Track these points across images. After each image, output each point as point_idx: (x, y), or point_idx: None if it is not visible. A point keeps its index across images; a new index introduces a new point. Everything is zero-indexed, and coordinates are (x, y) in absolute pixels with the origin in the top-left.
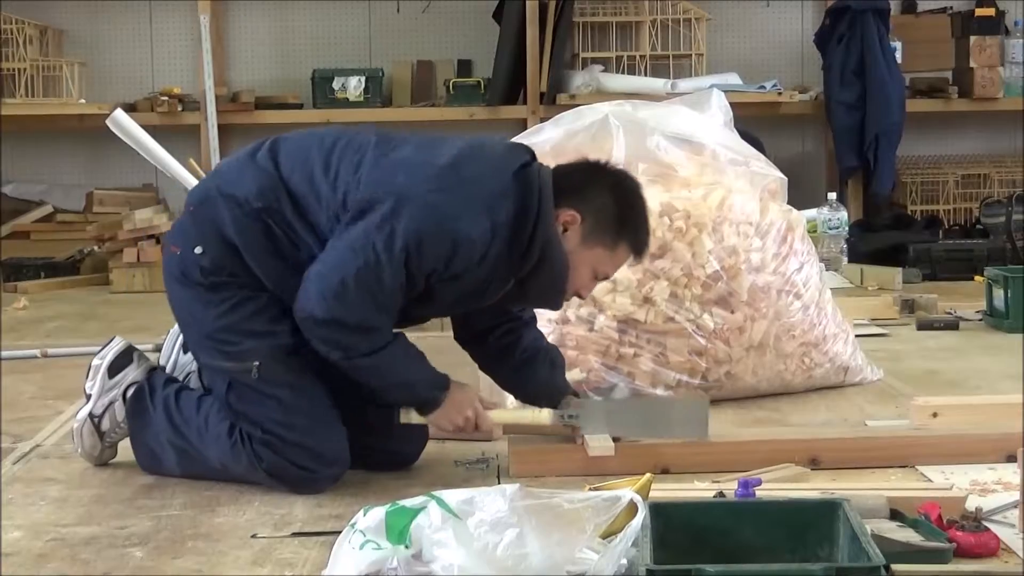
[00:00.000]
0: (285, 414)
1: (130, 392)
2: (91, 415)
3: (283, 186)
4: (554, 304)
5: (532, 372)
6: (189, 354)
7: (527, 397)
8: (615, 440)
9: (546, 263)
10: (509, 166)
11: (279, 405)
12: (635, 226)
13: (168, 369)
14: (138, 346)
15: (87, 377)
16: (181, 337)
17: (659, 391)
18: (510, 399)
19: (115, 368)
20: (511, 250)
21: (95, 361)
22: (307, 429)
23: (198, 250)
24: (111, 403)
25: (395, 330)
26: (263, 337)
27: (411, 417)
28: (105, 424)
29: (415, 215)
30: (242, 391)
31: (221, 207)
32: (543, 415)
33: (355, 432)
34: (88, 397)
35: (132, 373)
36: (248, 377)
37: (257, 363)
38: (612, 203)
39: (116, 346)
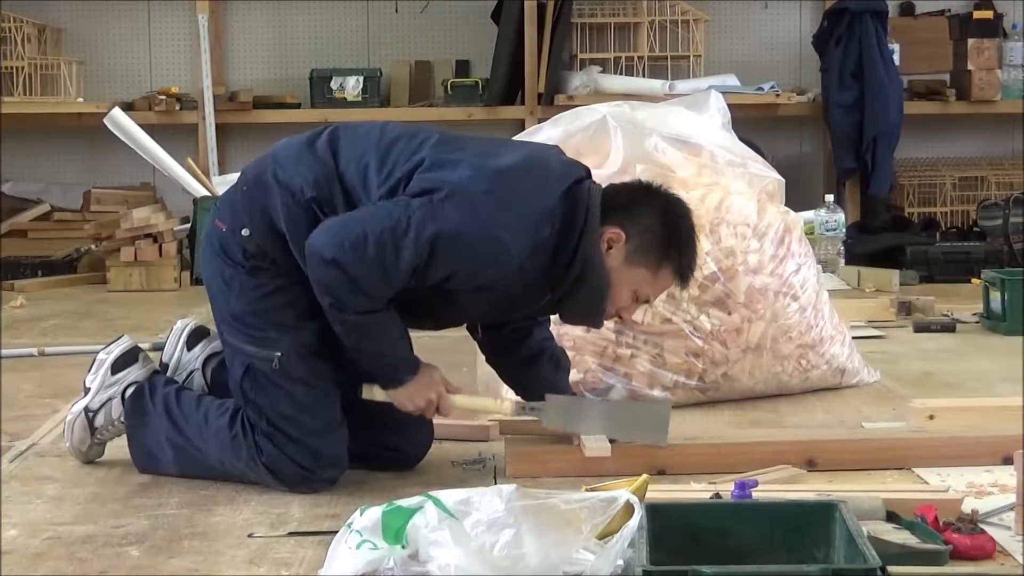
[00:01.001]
0: (295, 410)
1: (129, 391)
2: (86, 409)
3: (337, 178)
4: (594, 321)
5: (536, 370)
6: (192, 352)
7: (527, 395)
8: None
9: (586, 280)
10: (564, 182)
11: (291, 400)
12: (680, 250)
13: (171, 365)
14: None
15: (89, 370)
16: (185, 333)
17: (656, 392)
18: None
19: (119, 366)
20: (554, 266)
21: (100, 355)
22: (312, 429)
23: (245, 232)
24: (109, 399)
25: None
26: (290, 331)
27: (374, 393)
28: (99, 420)
29: (462, 211)
30: (258, 378)
31: (274, 193)
32: (505, 405)
33: (359, 427)
34: (86, 391)
35: (135, 373)
36: (268, 366)
37: (279, 354)
38: (659, 225)
39: (123, 344)
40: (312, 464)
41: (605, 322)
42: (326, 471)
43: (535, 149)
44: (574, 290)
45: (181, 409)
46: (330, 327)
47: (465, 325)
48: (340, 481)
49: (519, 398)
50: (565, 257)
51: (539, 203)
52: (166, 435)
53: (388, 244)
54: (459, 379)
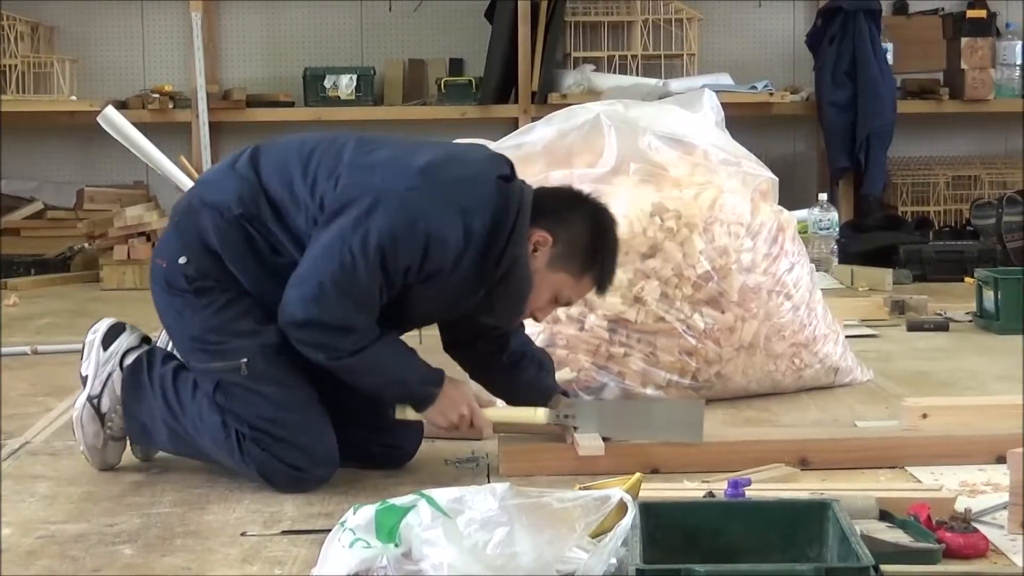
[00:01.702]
0: (274, 410)
1: (128, 359)
2: (90, 398)
3: (263, 192)
4: (510, 321)
5: (520, 374)
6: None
7: (516, 400)
8: (606, 440)
9: (511, 279)
10: (489, 176)
11: (267, 402)
12: (603, 260)
13: (90, 373)
14: None
15: (82, 358)
16: (100, 336)
17: (649, 391)
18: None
19: (108, 340)
20: (484, 260)
21: (88, 337)
22: (296, 426)
23: (182, 260)
24: (109, 376)
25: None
26: (250, 336)
27: (407, 413)
28: (105, 403)
29: (389, 213)
30: (230, 390)
31: (204, 216)
32: (539, 414)
33: (351, 427)
34: (84, 382)
35: (126, 341)
36: (237, 375)
37: (245, 360)
38: (586, 233)
39: (107, 321)
40: (303, 461)
41: (596, 322)
42: (317, 468)
43: (455, 145)
44: (498, 288)
45: (178, 394)
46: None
47: (442, 345)
48: (333, 480)
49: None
50: (494, 253)
51: (468, 191)
52: (161, 415)
53: (345, 281)
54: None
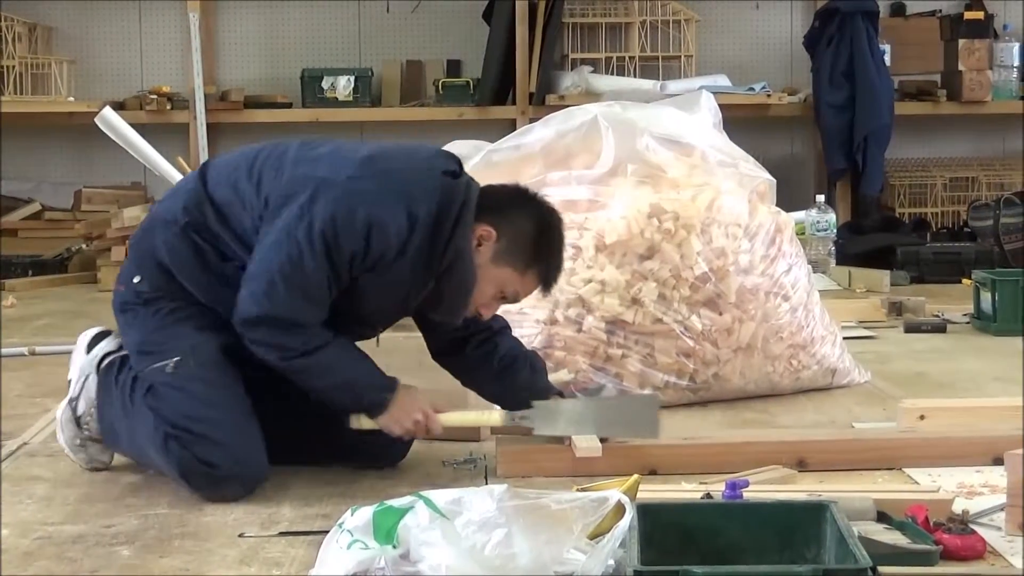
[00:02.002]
0: (197, 408)
1: (104, 363)
2: (70, 400)
3: (207, 199)
4: (455, 316)
5: (513, 378)
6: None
7: (511, 404)
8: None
9: (455, 272)
10: (434, 168)
11: (192, 399)
12: (548, 257)
13: (73, 376)
14: None
15: (71, 363)
16: (86, 342)
17: (647, 392)
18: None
19: (92, 345)
20: (431, 250)
21: (78, 341)
22: (216, 422)
23: (136, 279)
24: (85, 378)
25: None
26: (187, 338)
27: (362, 423)
28: (81, 406)
29: (330, 201)
30: (159, 389)
31: (155, 234)
32: (494, 416)
33: (341, 428)
34: (70, 385)
35: (107, 345)
36: (167, 375)
37: (177, 358)
38: (531, 230)
39: (94, 329)
40: (222, 460)
41: (594, 324)
42: (238, 469)
43: (400, 143)
44: (443, 279)
45: (132, 396)
46: (239, 346)
47: (430, 354)
48: (331, 481)
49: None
50: (439, 245)
51: (410, 180)
52: (119, 416)
53: (293, 273)
54: (445, 383)
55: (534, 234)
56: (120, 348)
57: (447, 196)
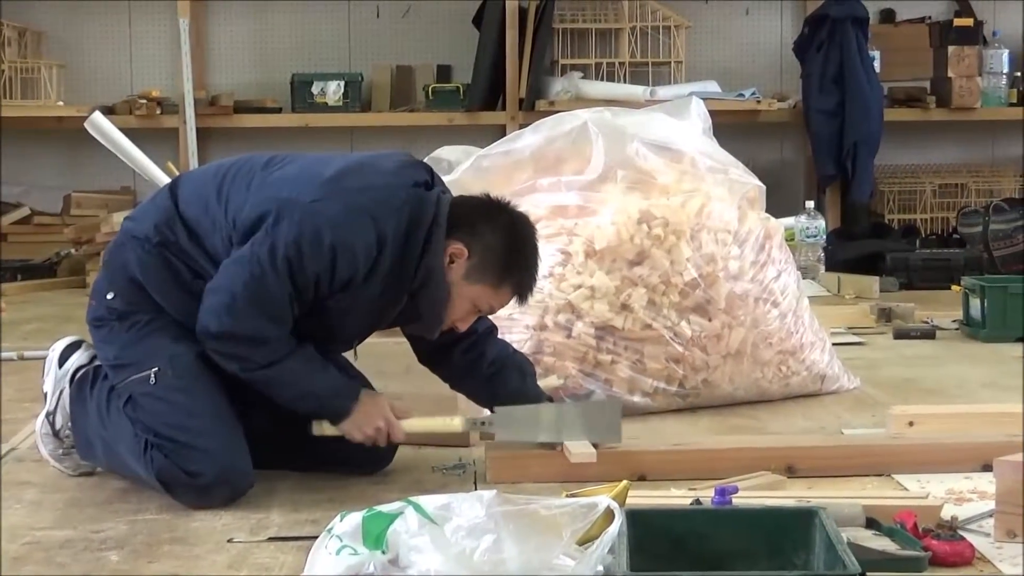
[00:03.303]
0: (178, 417)
1: (77, 376)
2: (47, 414)
3: (178, 217)
4: (431, 332)
5: (503, 383)
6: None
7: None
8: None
9: (427, 289)
10: (402, 181)
11: (174, 409)
12: (520, 270)
13: (49, 391)
14: None
15: (43, 375)
16: (57, 354)
17: (636, 398)
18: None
19: (64, 357)
20: (400, 269)
21: (48, 355)
22: (200, 431)
23: (109, 295)
24: (60, 392)
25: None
26: (165, 349)
27: (324, 429)
28: (58, 420)
29: (295, 223)
30: (139, 400)
31: (127, 250)
32: (455, 423)
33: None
34: (46, 398)
35: (79, 358)
36: (146, 385)
37: (156, 369)
38: (501, 244)
39: (66, 339)
40: (206, 468)
41: (583, 329)
42: (221, 477)
43: (368, 155)
44: (417, 296)
45: (108, 406)
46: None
47: (417, 359)
48: (320, 487)
49: (469, 414)
50: (411, 262)
51: (377, 198)
52: (95, 429)
53: (254, 290)
54: (435, 389)
55: (505, 249)
56: (92, 360)
57: (416, 211)
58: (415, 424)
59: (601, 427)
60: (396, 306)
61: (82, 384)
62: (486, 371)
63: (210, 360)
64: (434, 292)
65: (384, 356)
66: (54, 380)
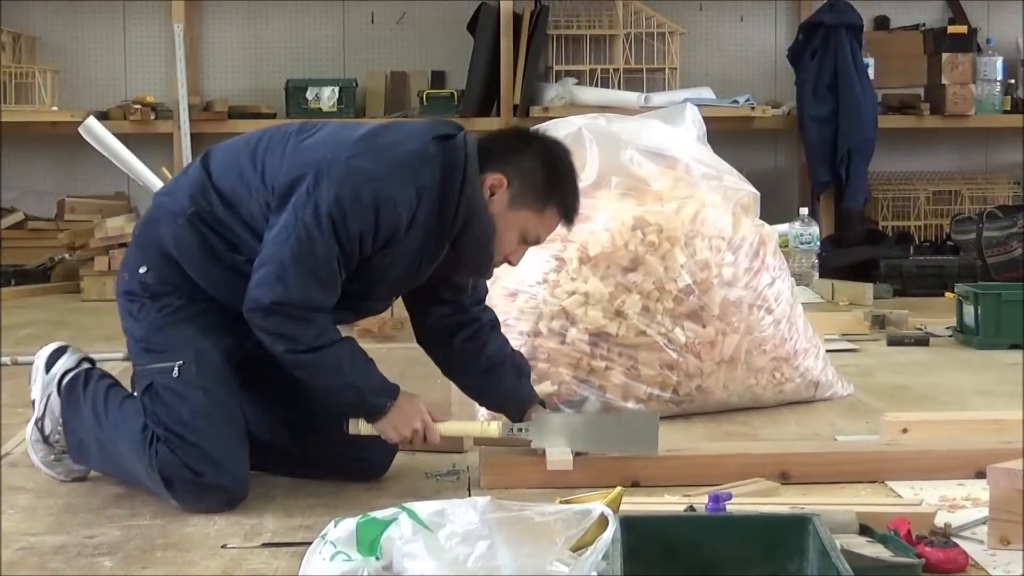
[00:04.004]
0: (191, 415)
1: (65, 380)
2: (36, 421)
3: (212, 187)
4: (484, 270)
5: (497, 379)
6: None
7: (492, 404)
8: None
9: (472, 227)
10: (430, 134)
11: (188, 406)
12: (563, 189)
13: (36, 396)
14: (109, 355)
15: (30, 382)
16: (44, 359)
17: (630, 404)
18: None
19: (51, 362)
20: (440, 215)
21: (35, 361)
22: (208, 434)
23: (143, 270)
24: (48, 397)
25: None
26: (192, 342)
27: (359, 428)
28: (47, 426)
29: (334, 181)
30: (158, 391)
31: (161, 224)
32: (492, 428)
33: (318, 444)
34: (34, 405)
35: (66, 362)
36: (168, 377)
37: (181, 362)
38: (540, 167)
39: (52, 345)
40: (208, 469)
41: (577, 336)
42: (221, 479)
43: (395, 120)
44: (461, 239)
45: (106, 405)
46: (238, 348)
47: (415, 338)
48: (314, 492)
49: (506, 419)
50: (450, 207)
51: (408, 149)
52: (91, 429)
53: (303, 255)
54: (437, 387)
55: (544, 171)
56: (80, 363)
57: (449, 157)
58: (452, 428)
59: (638, 438)
60: (437, 256)
61: (73, 387)
62: (483, 364)
63: (232, 360)
64: (478, 228)
65: (380, 362)
66: (41, 386)
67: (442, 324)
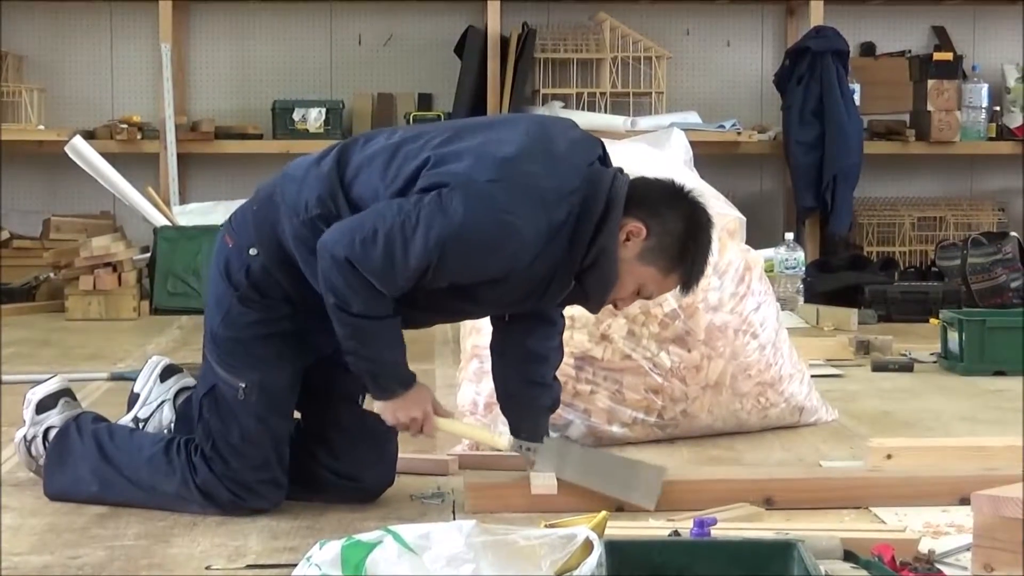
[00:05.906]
0: (241, 441)
1: (51, 434)
2: (24, 438)
3: (342, 193)
4: (593, 308)
5: (530, 398)
6: (166, 384)
7: (512, 414)
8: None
9: (597, 269)
10: (578, 163)
11: (241, 432)
12: (694, 260)
13: (142, 395)
14: (93, 374)
15: (23, 405)
16: (159, 368)
17: (615, 428)
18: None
19: (42, 408)
20: (572, 247)
21: (28, 395)
22: (252, 464)
23: (253, 251)
24: (35, 436)
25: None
26: (261, 366)
27: (373, 404)
28: (34, 451)
29: (468, 201)
30: (219, 401)
31: (282, 215)
32: (502, 440)
33: (321, 455)
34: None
35: (53, 418)
36: (232, 392)
37: (244, 385)
38: (681, 229)
39: (51, 386)
40: (243, 493)
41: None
42: (257, 503)
43: (544, 128)
44: (585, 276)
45: (113, 440)
46: (304, 372)
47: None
48: (299, 514)
49: (513, 436)
50: (582, 241)
51: (550, 184)
52: (92, 466)
53: (397, 239)
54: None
55: (684, 235)
56: (76, 417)
57: (592, 190)
58: (451, 425)
59: (640, 488)
60: (563, 286)
61: (61, 440)
62: (531, 374)
63: (296, 385)
64: (605, 271)
65: None
66: (30, 418)
67: (531, 315)
